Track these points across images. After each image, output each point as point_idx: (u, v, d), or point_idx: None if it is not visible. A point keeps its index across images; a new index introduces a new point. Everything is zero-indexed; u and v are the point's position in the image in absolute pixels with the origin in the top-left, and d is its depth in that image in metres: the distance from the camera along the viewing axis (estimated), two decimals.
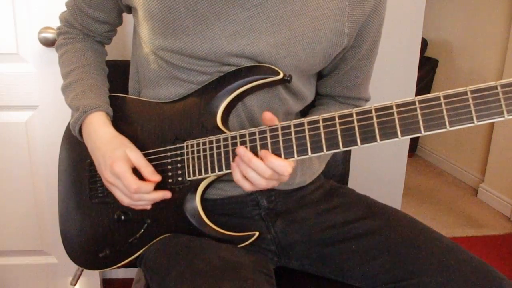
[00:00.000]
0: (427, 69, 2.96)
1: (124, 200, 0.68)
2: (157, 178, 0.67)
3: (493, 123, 2.38)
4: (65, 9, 0.82)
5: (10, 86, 1.18)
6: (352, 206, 0.77)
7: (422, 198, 2.47)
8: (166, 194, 0.68)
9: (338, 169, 1.01)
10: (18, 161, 1.26)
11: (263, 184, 0.59)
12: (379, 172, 1.56)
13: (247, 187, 0.61)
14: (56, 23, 0.83)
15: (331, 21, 0.68)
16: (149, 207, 0.69)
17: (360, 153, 1.49)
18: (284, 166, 0.57)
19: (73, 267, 0.80)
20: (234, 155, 0.61)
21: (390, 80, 1.45)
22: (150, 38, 0.69)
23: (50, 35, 1.12)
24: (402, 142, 1.54)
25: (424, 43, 3.00)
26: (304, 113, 0.85)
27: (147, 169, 0.67)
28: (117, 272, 1.54)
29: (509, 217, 2.22)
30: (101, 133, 0.69)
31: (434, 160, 3.08)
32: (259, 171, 0.58)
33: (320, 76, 0.83)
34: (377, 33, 0.75)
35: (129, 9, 0.77)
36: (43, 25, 1.12)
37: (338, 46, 0.71)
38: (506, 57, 2.28)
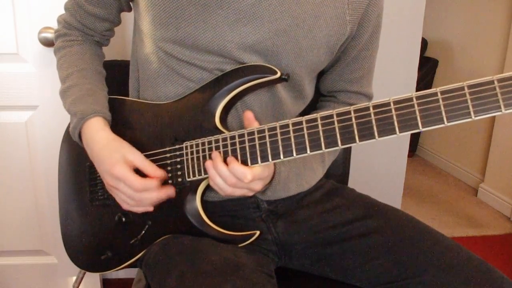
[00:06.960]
0: (427, 69, 2.96)
1: (124, 205, 0.68)
2: (161, 173, 0.67)
3: (493, 123, 2.38)
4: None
5: (10, 86, 1.18)
6: (352, 206, 0.77)
7: (422, 198, 2.47)
8: (169, 192, 0.67)
9: (338, 169, 1.01)
10: (18, 161, 1.26)
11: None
12: (379, 172, 1.56)
13: (217, 190, 0.64)
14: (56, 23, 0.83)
15: (331, 8, 0.68)
16: (151, 209, 0.69)
17: (360, 153, 1.48)
18: (243, 172, 0.59)
19: (73, 267, 0.80)
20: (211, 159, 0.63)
21: (390, 80, 1.45)
22: (152, 29, 0.69)
23: (50, 35, 1.11)
24: (402, 142, 1.54)
25: (424, 43, 3.00)
26: (303, 115, 0.85)
27: (150, 167, 0.67)
28: (117, 272, 1.53)
29: (509, 217, 2.22)
30: (98, 138, 0.69)
31: (434, 160, 3.08)
32: (223, 176, 0.61)
33: (321, 72, 0.83)
34: (377, 23, 0.76)
35: (129, 6, 0.77)
36: (43, 25, 1.12)
37: (342, 35, 0.71)
38: (506, 57, 2.28)
